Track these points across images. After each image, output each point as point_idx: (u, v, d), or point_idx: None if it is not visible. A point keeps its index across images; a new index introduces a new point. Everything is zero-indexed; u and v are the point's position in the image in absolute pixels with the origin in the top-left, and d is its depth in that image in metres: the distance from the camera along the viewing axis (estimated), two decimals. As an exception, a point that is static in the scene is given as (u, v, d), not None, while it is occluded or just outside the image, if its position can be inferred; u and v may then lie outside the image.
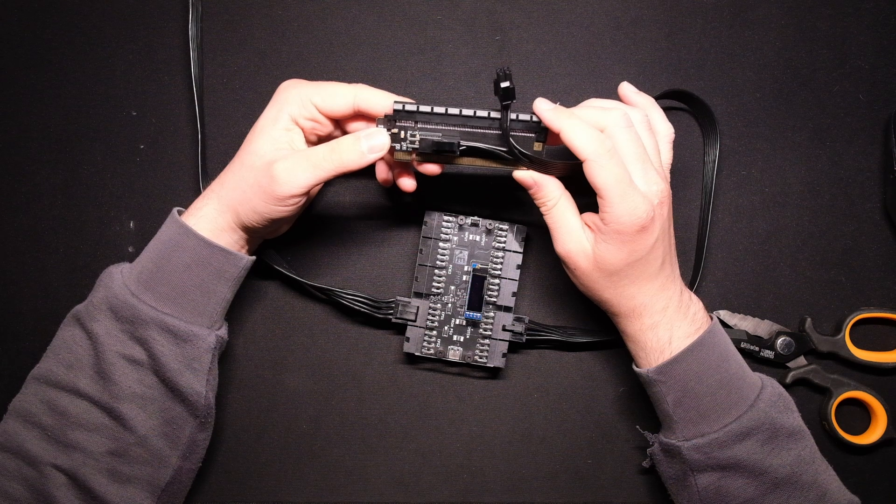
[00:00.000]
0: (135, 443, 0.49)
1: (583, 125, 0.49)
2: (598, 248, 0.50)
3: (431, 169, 0.54)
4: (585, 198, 0.51)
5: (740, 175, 0.61)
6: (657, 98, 0.57)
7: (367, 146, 0.51)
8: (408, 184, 0.56)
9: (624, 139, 0.49)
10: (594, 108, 0.50)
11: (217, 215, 0.51)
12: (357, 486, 0.60)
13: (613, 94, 0.54)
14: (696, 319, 0.51)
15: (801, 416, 0.52)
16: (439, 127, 0.52)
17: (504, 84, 0.47)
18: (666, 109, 0.61)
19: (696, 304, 0.52)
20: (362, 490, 0.60)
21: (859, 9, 0.62)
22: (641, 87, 0.61)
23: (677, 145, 0.61)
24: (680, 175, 0.61)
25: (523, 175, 0.52)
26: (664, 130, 0.53)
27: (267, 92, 0.59)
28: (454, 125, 0.51)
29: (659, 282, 0.50)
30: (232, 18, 0.62)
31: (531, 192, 0.52)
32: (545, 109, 0.50)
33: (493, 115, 0.51)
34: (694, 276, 0.60)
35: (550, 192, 0.51)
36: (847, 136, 0.62)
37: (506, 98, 0.48)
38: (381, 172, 0.57)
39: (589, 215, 0.51)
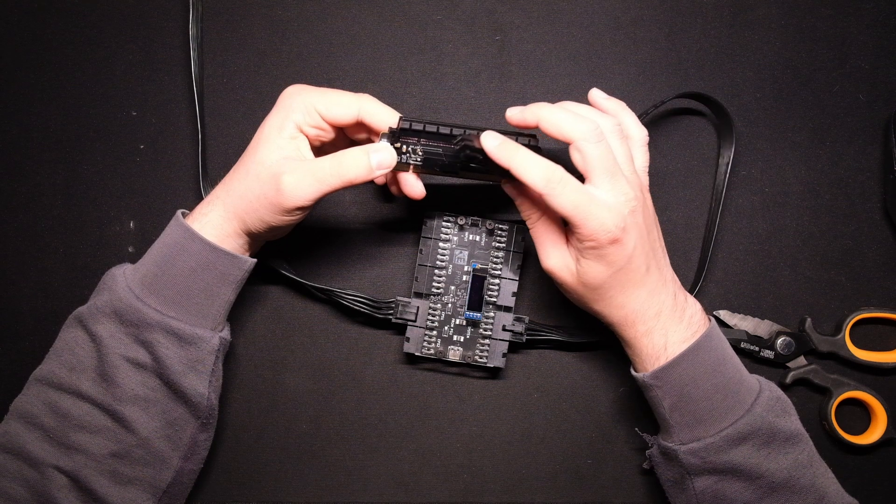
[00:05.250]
0: (136, 444, 0.49)
1: (530, 158, 0.48)
2: (579, 266, 0.50)
3: (416, 192, 0.54)
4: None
5: (740, 175, 0.61)
6: (674, 98, 0.58)
7: (375, 162, 0.51)
8: (397, 190, 0.57)
9: (593, 154, 0.48)
10: (568, 113, 0.49)
11: (223, 222, 0.51)
12: (357, 486, 0.60)
13: (613, 95, 0.54)
14: (692, 323, 0.51)
15: (799, 418, 0.52)
16: (441, 144, 0.52)
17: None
18: (677, 110, 0.61)
19: (692, 307, 0.52)
20: (362, 490, 0.60)
21: (859, 9, 0.62)
22: (642, 86, 0.61)
23: (685, 146, 0.61)
24: (681, 176, 0.61)
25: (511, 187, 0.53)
26: (638, 135, 0.53)
27: (267, 92, 0.59)
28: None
29: (647, 287, 0.50)
30: (232, 18, 0.62)
31: (517, 202, 0.53)
32: (493, 146, 0.50)
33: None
34: (697, 278, 0.60)
35: (534, 206, 0.52)
36: (847, 136, 0.61)
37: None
38: None
39: (570, 233, 0.52)
